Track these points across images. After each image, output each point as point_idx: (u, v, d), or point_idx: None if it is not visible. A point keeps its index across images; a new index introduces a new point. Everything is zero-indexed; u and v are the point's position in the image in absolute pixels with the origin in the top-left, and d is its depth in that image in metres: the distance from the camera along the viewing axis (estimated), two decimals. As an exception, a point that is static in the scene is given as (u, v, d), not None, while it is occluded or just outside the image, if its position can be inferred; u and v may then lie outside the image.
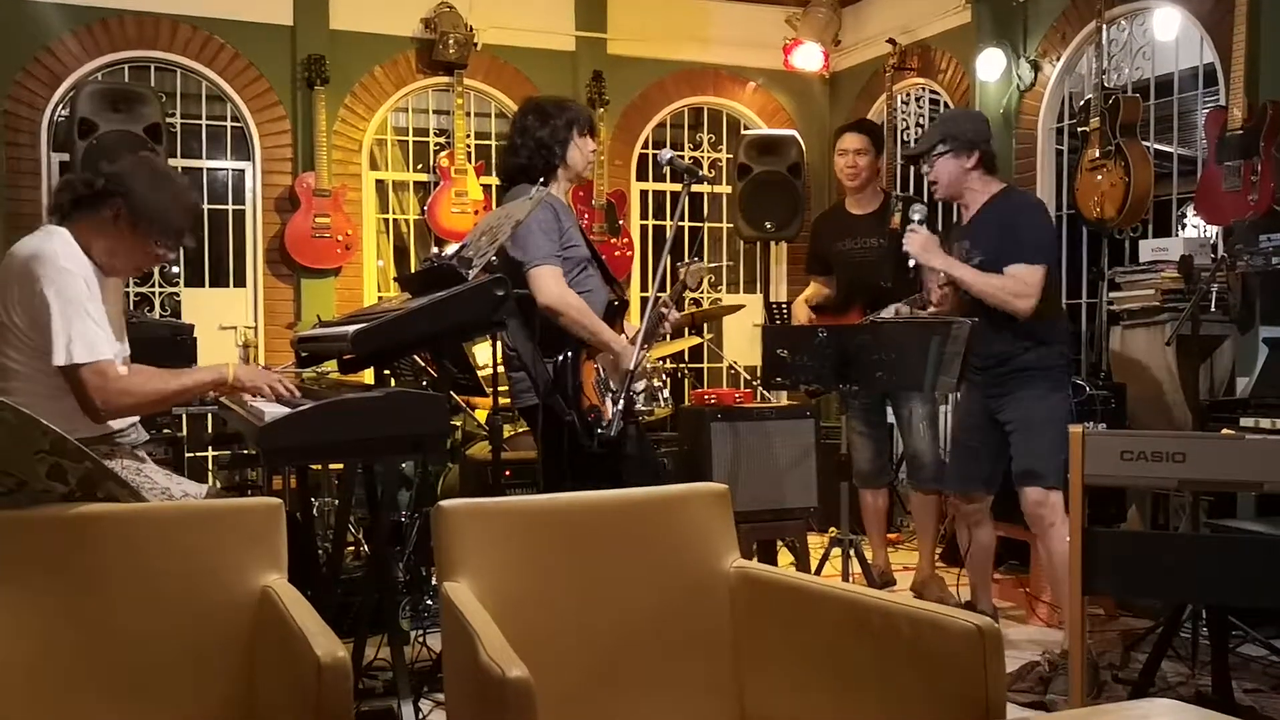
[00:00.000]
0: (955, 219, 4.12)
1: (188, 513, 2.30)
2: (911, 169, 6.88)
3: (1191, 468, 2.62)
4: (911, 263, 3.82)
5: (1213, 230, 4.94)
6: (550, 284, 3.31)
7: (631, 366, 3.15)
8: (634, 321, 3.67)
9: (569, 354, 3.31)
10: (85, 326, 2.62)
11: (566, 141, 3.53)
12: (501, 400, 3.20)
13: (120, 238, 2.79)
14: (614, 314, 3.54)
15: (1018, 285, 3.65)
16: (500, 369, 3.21)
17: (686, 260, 3.84)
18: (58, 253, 2.68)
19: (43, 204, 5.84)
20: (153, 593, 2.14)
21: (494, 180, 6.66)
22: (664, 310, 3.54)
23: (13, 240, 5.76)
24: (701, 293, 7.36)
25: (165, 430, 4.62)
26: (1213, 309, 4.21)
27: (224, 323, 6.13)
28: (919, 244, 3.78)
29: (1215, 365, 4.51)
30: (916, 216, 3.82)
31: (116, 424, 2.86)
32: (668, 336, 5.55)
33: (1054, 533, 3.67)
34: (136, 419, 2.94)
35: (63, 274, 2.64)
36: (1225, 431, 3.20)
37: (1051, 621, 4.15)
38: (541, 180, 3.46)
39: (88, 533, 2.13)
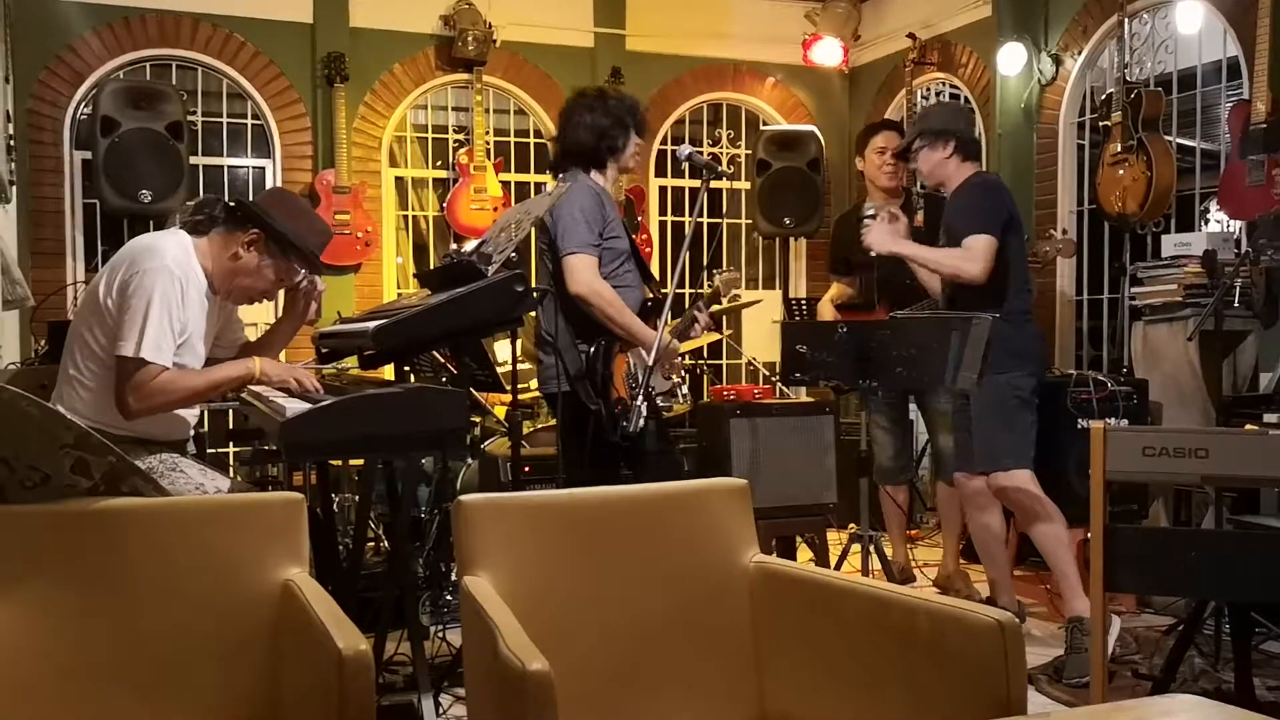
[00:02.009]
0: None
1: (210, 507, 2.31)
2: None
3: (1214, 464, 2.60)
4: (873, 254, 3.96)
5: (1236, 225, 4.91)
6: (583, 273, 3.32)
7: (650, 362, 3.15)
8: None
9: (602, 343, 3.31)
10: (161, 329, 2.69)
11: (626, 130, 3.54)
12: (522, 396, 3.21)
13: (249, 263, 2.90)
14: (648, 313, 3.54)
15: (964, 254, 3.73)
16: (521, 366, 3.22)
17: (721, 269, 3.87)
18: (168, 252, 2.78)
19: (66, 202, 5.90)
20: (176, 586, 2.15)
21: (513, 177, 6.70)
22: (696, 314, 3.56)
23: (35, 237, 5.86)
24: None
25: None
26: (1236, 304, 4.18)
27: (245, 320, 6.16)
28: (875, 235, 3.92)
29: (1238, 361, 4.48)
30: (869, 213, 3.95)
31: (192, 420, 3.01)
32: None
33: (1031, 517, 3.70)
34: (194, 421, 3.05)
35: (164, 272, 2.73)
36: (1248, 427, 3.18)
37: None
38: (588, 165, 3.47)
39: (112, 527, 2.14)
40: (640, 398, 3.17)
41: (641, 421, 3.14)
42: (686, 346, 5.31)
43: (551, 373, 3.41)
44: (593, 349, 3.30)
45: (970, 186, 3.90)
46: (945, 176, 3.96)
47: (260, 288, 2.99)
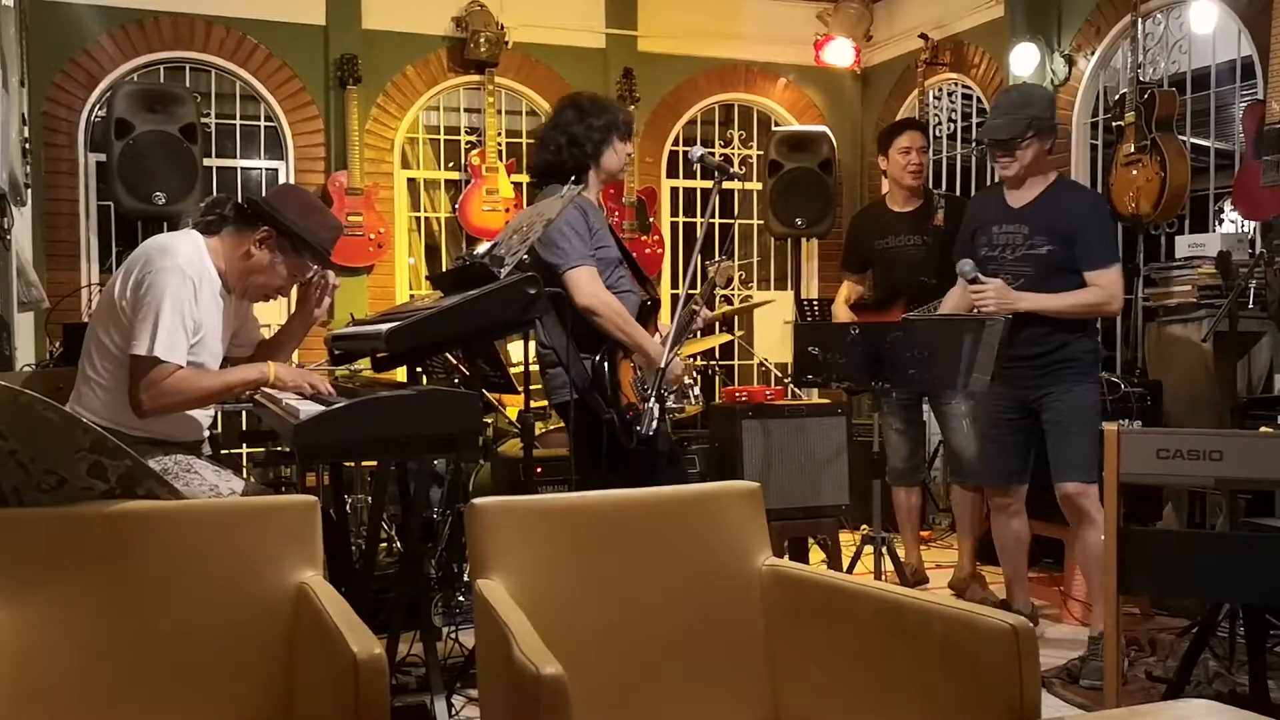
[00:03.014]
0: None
1: (225, 510, 2.32)
2: (945, 165, 6.85)
3: (1228, 466, 2.59)
4: (1002, 318, 3.58)
5: (1250, 225, 4.89)
6: (588, 285, 3.31)
7: (662, 365, 3.15)
8: (666, 320, 3.67)
9: (606, 352, 3.31)
10: (174, 328, 2.70)
11: (603, 143, 3.48)
12: (533, 401, 3.21)
13: (261, 261, 2.91)
14: (646, 314, 3.54)
15: (1104, 294, 3.59)
16: (533, 367, 3.22)
17: (715, 259, 3.83)
18: (180, 251, 2.80)
19: (81, 204, 5.93)
20: (191, 589, 2.16)
21: (525, 178, 6.70)
22: (695, 309, 3.54)
23: (50, 239, 5.89)
24: (732, 290, 7.35)
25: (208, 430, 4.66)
26: (1250, 305, 4.16)
27: (260, 320, 6.18)
28: (995, 297, 3.61)
29: (1253, 362, 4.46)
30: (970, 274, 3.65)
31: (207, 421, 3.01)
32: (698, 334, 5.55)
33: (1093, 526, 3.64)
34: (208, 423, 3.06)
35: (176, 272, 2.74)
36: (1263, 429, 3.16)
37: (1085, 619, 4.12)
38: (574, 179, 3.45)
39: (127, 530, 2.15)
40: (653, 399, 3.17)
41: (654, 424, 3.15)
42: (695, 347, 5.34)
43: (556, 382, 3.42)
44: (598, 358, 3.30)
45: (1088, 201, 3.74)
46: (1035, 171, 3.71)
47: (275, 284, 3.00)
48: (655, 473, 3.25)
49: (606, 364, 3.30)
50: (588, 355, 3.30)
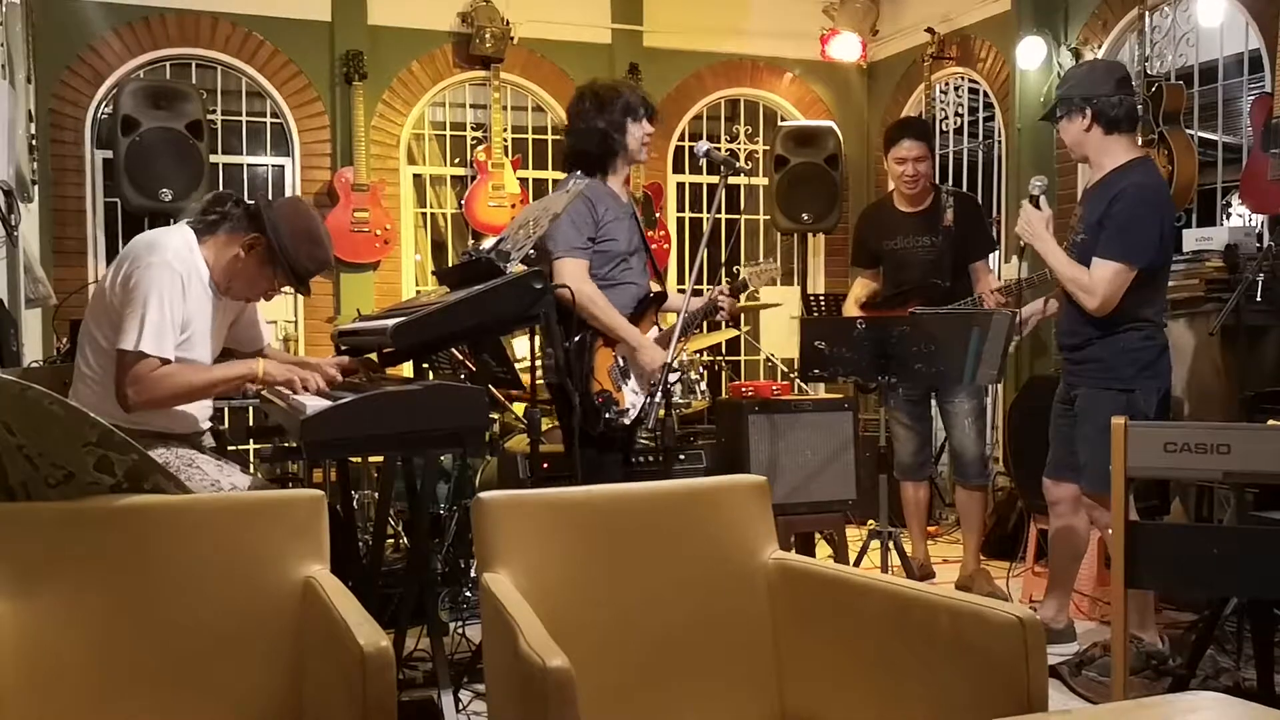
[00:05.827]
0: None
1: (232, 505, 2.33)
2: (951, 159, 6.83)
3: (1236, 460, 2.59)
4: (1022, 243, 3.63)
5: (1258, 219, 4.87)
6: (568, 276, 3.33)
7: (668, 360, 3.16)
8: (673, 320, 3.68)
9: (584, 337, 3.33)
10: (162, 322, 2.69)
11: (623, 127, 3.52)
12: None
13: (247, 266, 2.90)
14: (645, 306, 3.55)
15: (1087, 281, 3.44)
16: (538, 361, 3.24)
17: (757, 261, 3.82)
18: (169, 247, 2.79)
19: (87, 201, 5.95)
20: (198, 583, 2.17)
21: (530, 174, 6.71)
22: (721, 303, 3.56)
23: (57, 236, 5.90)
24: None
25: (209, 422, 4.67)
26: (1258, 299, 4.14)
27: (264, 317, 6.19)
28: (1023, 222, 3.58)
29: (1261, 356, 4.45)
30: (1036, 190, 3.58)
31: (204, 420, 3.00)
32: (724, 323, 5.53)
33: (1094, 525, 3.61)
34: (208, 414, 3.05)
35: (164, 267, 2.73)
36: (1271, 423, 3.15)
37: (1092, 615, 4.12)
38: (593, 168, 3.48)
39: (135, 524, 2.16)
40: (657, 394, 3.18)
41: (654, 418, 3.16)
42: (701, 342, 5.34)
43: (549, 363, 3.45)
44: (576, 340, 3.32)
45: (1132, 194, 3.43)
46: (1090, 152, 3.56)
47: (256, 291, 3.00)
48: (630, 462, 3.29)
49: (582, 348, 3.33)
50: (564, 339, 3.32)
